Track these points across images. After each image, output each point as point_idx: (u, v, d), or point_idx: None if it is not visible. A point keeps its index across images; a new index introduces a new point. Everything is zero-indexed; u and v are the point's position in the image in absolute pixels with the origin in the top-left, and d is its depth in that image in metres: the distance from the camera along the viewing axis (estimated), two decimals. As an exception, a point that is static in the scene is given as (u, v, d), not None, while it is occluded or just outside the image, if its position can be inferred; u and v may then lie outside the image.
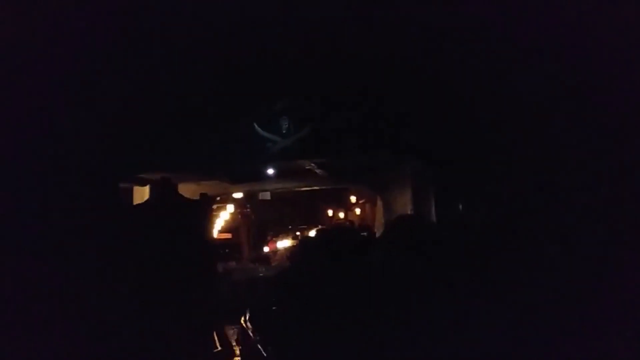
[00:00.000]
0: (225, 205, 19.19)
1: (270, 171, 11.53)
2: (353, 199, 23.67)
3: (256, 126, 9.30)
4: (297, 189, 14.46)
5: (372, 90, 8.54)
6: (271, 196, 16.27)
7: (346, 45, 6.84)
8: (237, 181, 12.59)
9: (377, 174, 11.99)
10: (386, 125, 9.19)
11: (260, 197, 17.00)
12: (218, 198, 18.36)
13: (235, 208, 20.58)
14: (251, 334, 5.37)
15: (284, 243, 22.14)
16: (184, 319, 6.33)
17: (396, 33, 5.97)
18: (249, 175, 11.77)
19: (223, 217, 20.85)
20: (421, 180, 10.50)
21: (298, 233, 24.38)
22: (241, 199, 19.10)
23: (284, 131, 9.27)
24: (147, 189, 12.11)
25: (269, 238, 24.53)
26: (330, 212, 26.83)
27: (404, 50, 6.73)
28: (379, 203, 13.71)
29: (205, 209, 9.17)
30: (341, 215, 26.14)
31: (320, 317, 3.76)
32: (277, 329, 4.42)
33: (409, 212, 11.03)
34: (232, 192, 14.44)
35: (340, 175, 12.21)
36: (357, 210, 24.15)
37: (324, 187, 14.40)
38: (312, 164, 10.79)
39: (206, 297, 7.28)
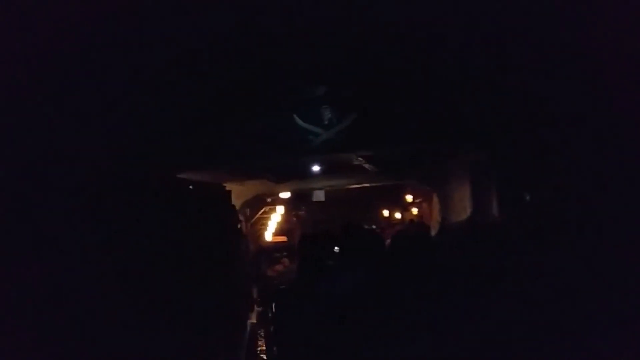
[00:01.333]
0: (275, 207, 18.62)
1: (316, 168, 10.75)
2: (409, 198, 22.71)
3: (296, 117, 8.50)
4: (347, 187, 13.52)
5: (420, 73, 7.62)
6: (325, 197, 15.45)
7: (392, 22, 5.98)
8: (282, 180, 11.87)
9: (432, 167, 11.01)
10: (440, 111, 8.24)
11: (314, 199, 15.87)
12: (269, 200, 17.93)
13: (287, 209, 20.05)
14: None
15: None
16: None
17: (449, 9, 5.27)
18: (293, 173, 11.00)
19: (275, 219, 20.30)
20: (481, 173, 9.49)
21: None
22: (295, 200, 18.58)
23: (325, 122, 8.44)
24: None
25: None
26: (386, 213, 25.99)
27: (459, 26, 5.87)
28: (435, 200, 12.70)
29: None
30: (398, 215, 25.18)
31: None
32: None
33: (467, 209, 10.05)
34: (279, 192, 13.72)
35: (392, 170, 11.26)
36: (415, 210, 23.20)
37: (375, 184, 13.41)
38: (360, 158, 9.92)
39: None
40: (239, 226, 9.66)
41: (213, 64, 6.58)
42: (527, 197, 7.04)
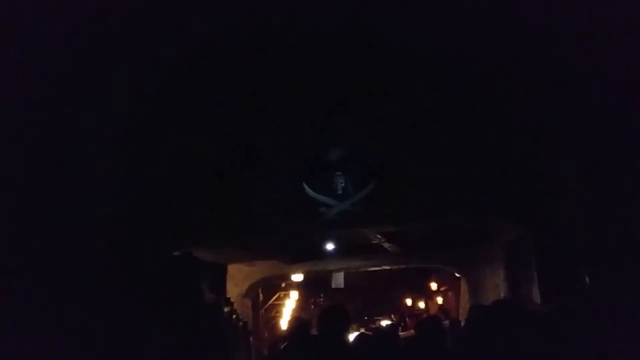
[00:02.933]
0: (289, 293, 17.39)
1: (330, 246, 9.65)
2: (434, 285, 21.40)
3: (305, 186, 7.49)
4: (365, 270, 12.24)
5: (449, 136, 6.64)
6: (344, 283, 14.43)
7: (421, 71, 5.10)
8: (294, 260, 10.75)
9: (460, 248, 9.80)
10: (471, 181, 7.18)
11: (333, 285, 15.17)
12: (283, 284, 16.78)
13: (302, 295, 18.86)
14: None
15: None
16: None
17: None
18: (305, 252, 9.89)
19: (289, 305, 19.01)
20: (518, 254, 8.29)
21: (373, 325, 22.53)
22: (310, 284, 17.45)
23: (339, 191, 7.39)
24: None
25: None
26: (409, 301, 24.69)
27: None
28: (464, 287, 11.38)
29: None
30: (421, 304, 24.09)
31: None
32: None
33: (501, 296, 8.78)
34: (291, 274, 12.53)
35: (415, 251, 10.05)
36: (439, 299, 21.93)
37: (396, 267, 12.12)
38: (379, 236, 8.80)
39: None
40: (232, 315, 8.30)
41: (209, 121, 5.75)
42: (586, 281, 5.81)
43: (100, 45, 3.66)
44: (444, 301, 21.15)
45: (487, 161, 6.77)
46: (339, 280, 14.04)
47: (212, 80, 4.86)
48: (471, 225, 7.98)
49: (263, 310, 16.27)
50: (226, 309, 8.60)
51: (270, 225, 7.99)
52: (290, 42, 4.30)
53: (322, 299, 21.78)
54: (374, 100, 5.85)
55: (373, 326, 16.99)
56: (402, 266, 11.95)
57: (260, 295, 15.20)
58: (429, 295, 22.90)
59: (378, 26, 4.12)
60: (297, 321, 4.84)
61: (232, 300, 10.57)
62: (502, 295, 8.76)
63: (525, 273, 8.07)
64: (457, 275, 16.05)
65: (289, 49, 4.42)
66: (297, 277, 12.99)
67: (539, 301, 7.39)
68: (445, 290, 20.48)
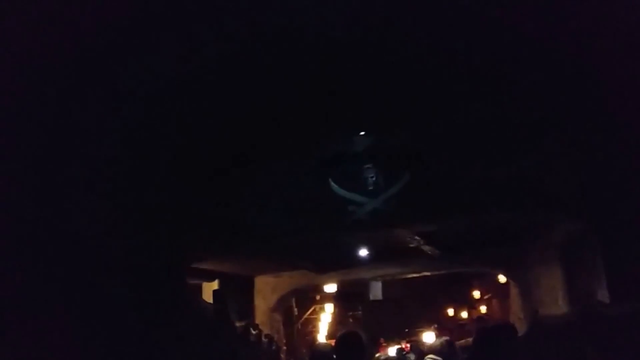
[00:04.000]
0: (324, 306, 16.52)
1: (364, 252, 8.72)
2: (477, 294, 20.49)
3: (332, 183, 6.59)
4: (401, 277, 11.22)
5: (494, 118, 5.68)
6: (383, 295, 13.68)
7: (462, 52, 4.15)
8: (324, 269, 9.84)
9: (509, 248, 8.75)
10: (521, 169, 6.23)
11: (371, 297, 14.53)
12: (317, 297, 16.08)
13: (338, 308, 18.03)
14: None
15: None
16: None
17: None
18: (336, 259, 8.98)
19: (325, 319, 18.16)
20: (578, 252, 7.25)
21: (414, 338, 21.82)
22: (345, 296, 17.02)
23: (370, 187, 6.46)
24: (215, 284, 9.70)
25: (380, 342, 21.98)
26: (451, 311, 23.71)
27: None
28: (513, 291, 10.27)
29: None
30: (464, 314, 23.02)
31: None
32: None
33: (559, 301, 7.74)
34: (323, 285, 11.62)
35: (458, 253, 9.02)
36: (483, 308, 20.96)
37: (437, 273, 11.06)
38: (417, 238, 7.83)
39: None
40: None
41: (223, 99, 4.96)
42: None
43: (101, 47, 3.45)
44: (488, 310, 20.29)
45: (539, 146, 5.79)
46: (376, 291, 13.17)
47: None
48: (523, 220, 6.96)
49: (299, 325, 15.47)
50: (253, 333, 7.69)
51: (293, 230, 7.14)
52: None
53: (360, 312, 21.08)
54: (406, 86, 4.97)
55: (415, 339, 16.12)
56: (443, 272, 10.90)
57: (295, 309, 14.49)
58: (472, 305, 21.86)
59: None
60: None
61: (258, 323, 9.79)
62: (561, 298, 7.70)
63: (588, 273, 7.02)
64: (505, 279, 15.17)
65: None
66: (331, 288, 12.12)
67: (607, 302, 6.33)
68: (489, 298, 19.56)
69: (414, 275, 10.75)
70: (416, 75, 4.72)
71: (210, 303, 6.36)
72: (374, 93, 5.03)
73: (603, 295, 6.55)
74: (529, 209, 6.52)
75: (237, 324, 6.90)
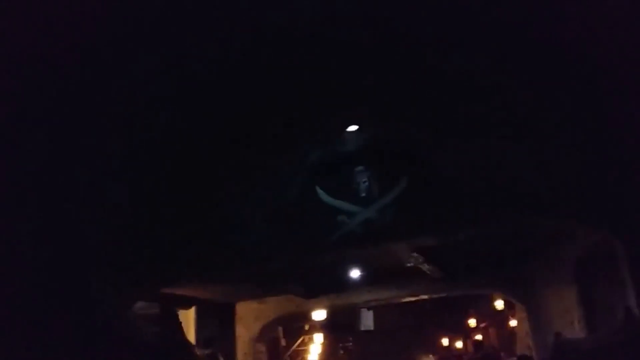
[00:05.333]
0: (313, 336, 15.54)
1: (355, 273, 7.88)
2: (472, 322, 19.65)
3: (319, 190, 5.80)
4: (397, 301, 10.31)
5: (500, 122, 5.03)
6: (374, 325, 13.27)
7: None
8: (312, 292, 8.96)
9: (516, 266, 7.93)
10: (533, 174, 5.51)
11: (362, 327, 14.03)
12: (306, 326, 15.20)
13: (328, 339, 17.06)
14: None
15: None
16: None
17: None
18: (325, 281, 8.12)
19: (314, 351, 17.15)
20: (596, 268, 6.46)
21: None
22: (335, 326, 15.63)
23: (362, 194, 5.69)
24: (192, 312, 8.81)
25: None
26: (445, 341, 22.84)
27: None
28: (519, 316, 9.42)
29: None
30: (459, 344, 22.32)
31: None
32: None
33: (575, 324, 6.92)
34: (311, 311, 10.72)
35: (460, 273, 8.18)
36: (479, 337, 20.21)
37: (436, 295, 10.17)
38: (415, 254, 7.00)
39: None
40: None
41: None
42: None
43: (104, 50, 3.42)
44: (484, 339, 19.52)
45: (555, 148, 5.07)
46: (367, 320, 12.74)
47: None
48: (533, 231, 6.15)
49: (287, 357, 14.60)
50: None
51: (277, 248, 6.30)
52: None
53: (351, 342, 20.16)
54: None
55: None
56: (443, 294, 10.04)
57: (283, 340, 13.70)
58: (467, 333, 21.06)
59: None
60: None
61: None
62: (577, 321, 6.88)
63: (609, 292, 6.22)
64: (502, 306, 14.42)
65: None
66: (320, 315, 11.24)
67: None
68: (485, 326, 18.82)
69: (411, 299, 9.88)
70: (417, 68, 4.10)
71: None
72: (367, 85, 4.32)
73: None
74: (541, 218, 5.73)
75: (200, 353, 6.02)
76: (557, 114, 4.64)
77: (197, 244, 6.24)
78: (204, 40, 3.56)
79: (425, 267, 7.49)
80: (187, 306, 9.02)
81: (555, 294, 7.60)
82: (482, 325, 18.91)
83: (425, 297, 9.78)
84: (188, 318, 9.12)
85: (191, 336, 8.94)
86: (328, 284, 8.48)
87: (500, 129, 4.87)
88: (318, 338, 15.72)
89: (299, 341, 15.90)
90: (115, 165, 4.43)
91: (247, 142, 5.02)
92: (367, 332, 14.41)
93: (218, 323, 9.46)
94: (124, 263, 5.02)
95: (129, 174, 4.57)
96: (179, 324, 5.80)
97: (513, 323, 14.57)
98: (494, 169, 5.46)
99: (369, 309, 14.59)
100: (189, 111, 4.35)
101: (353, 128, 5.03)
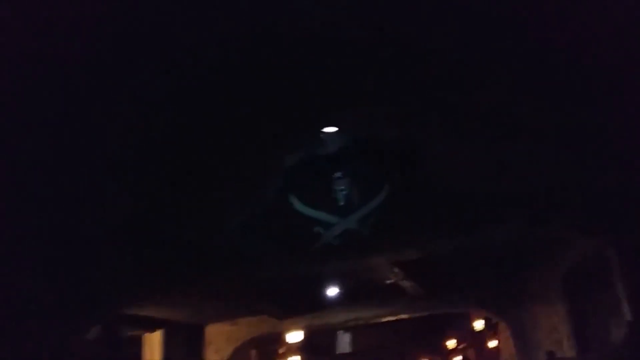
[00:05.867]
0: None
1: (333, 291, 7.43)
2: (451, 343, 19.18)
3: (294, 199, 5.36)
4: (376, 321, 9.83)
5: (490, 119, 4.67)
6: (351, 347, 13.95)
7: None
8: (287, 313, 8.46)
9: (503, 282, 7.54)
10: (526, 180, 5.18)
11: (339, 350, 14.25)
12: (281, 350, 14.58)
13: None
14: None
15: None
16: None
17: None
18: (301, 301, 7.64)
19: (290, 376, 16.53)
20: (587, 284, 6.11)
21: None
22: (312, 349, 15.04)
23: (341, 203, 5.26)
24: (158, 335, 8.24)
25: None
26: None
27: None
28: (503, 335, 9.02)
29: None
30: None
31: None
32: None
33: (564, 343, 6.55)
34: (286, 332, 10.17)
35: (442, 289, 7.76)
36: (458, 358, 19.89)
37: (417, 314, 9.72)
38: (396, 270, 6.58)
39: None
40: None
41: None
42: None
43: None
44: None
45: (550, 151, 4.74)
46: (344, 343, 13.01)
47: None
48: (522, 242, 5.78)
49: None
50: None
51: (249, 263, 5.84)
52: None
53: None
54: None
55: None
56: (425, 313, 9.60)
57: None
58: (446, 355, 20.40)
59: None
60: None
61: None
62: (566, 340, 6.50)
63: (600, 307, 5.86)
64: (482, 326, 14.03)
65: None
66: (295, 337, 10.68)
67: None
68: (464, 347, 18.32)
69: (391, 318, 9.41)
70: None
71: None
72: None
73: (620, 333, 5.39)
74: (534, 226, 5.36)
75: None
76: (554, 115, 4.32)
77: (161, 256, 5.76)
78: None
79: (405, 284, 7.06)
80: (152, 329, 8.49)
81: (542, 310, 7.22)
82: (462, 346, 18.36)
83: (405, 316, 9.33)
84: (153, 342, 8.60)
85: (156, 362, 8.47)
86: (304, 303, 7.99)
87: (496, 128, 4.52)
88: (295, 360, 15.17)
89: (274, 364, 15.38)
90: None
91: (213, 145, 4.59)
92: (345, 354, 14.48)
93: (186, 347, 8.86)
94: (72, 280, 4.53)
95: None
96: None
97: (493, 343, 14.33)
98: (486, 175, 5.09)
99: (346, 330, 14.11)
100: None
101: (332, 129, 4.61)
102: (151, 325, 8.36)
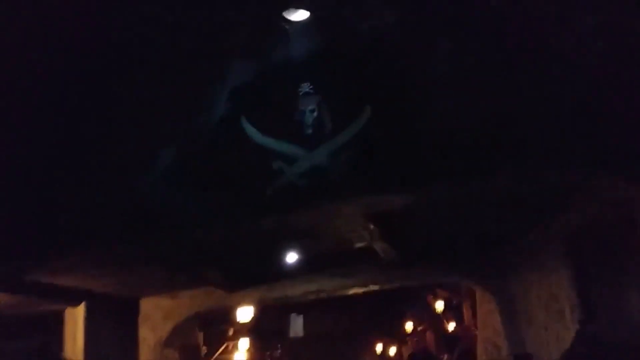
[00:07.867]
0: (237, 343, 14.01)
1: (292, 258, 6.28)
2: (409, 326, 18.82)
3: (248, 127, 4.11)
4: (343, 293, 8.69)
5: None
6: (305, 331, 13.96)
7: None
8: (236, 284, 7.26)
9: (492, 246, 6.51)
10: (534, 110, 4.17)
11: (291, 335, 14.28)
12: (230, 331, 13.72)
13: (254, 346, 15.62)
14: None
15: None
16: None
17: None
18: (253, 267, 6.46)
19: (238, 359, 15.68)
20: (597, 245, 5.15)
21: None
22: (262, 333, 14.59)
23: (308, 130, 4.06)
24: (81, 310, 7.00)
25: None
26: (379, 348, 21.98)
27: None
28: (485, 308, 8.01)
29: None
30: (392, 351, 21.51)
31: None
32: None
33: (567, 315, 5.61)
34: (236, 307, 9.17)
35: (421, 256, 6.66)
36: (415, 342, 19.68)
37: (389, 286, 8.60)
38: (368, 230, 5.43)
39: None
40: None
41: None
42: None
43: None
44: (417, 344, 18.81)
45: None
46: (297, 327, 13.01)
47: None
48: (537, 187, 4.71)
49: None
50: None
51: (186, 213, 4.60)
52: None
53: (279, 350, 19.33)
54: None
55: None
56: (397, 284, 8.49)
57: (204, 347, 12.32)
58: (402, 339, 20.15)
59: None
60: None
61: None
62: (568, 312, 5.54)
63: (612, 274, 4.89)
64: (442, 307, 13.65)
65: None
66: (245, 315, 9.65)
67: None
68: (422, 330, 17.95)
69: (360, 290, 8.31)
70: None
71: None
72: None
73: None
74: (546, 169, 4.30)
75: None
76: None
77: (80, 207, 4.62)
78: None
79: (379, 245, 5.92)
80: (74, 302, 7.33)
81: (537, 280, 6.24)
82: (420, 328, 17.92)
83: (376, 287, 8.26)
84: (76, 317, 7.36)
85: (79, 341, 7.20)
86: (256, 271, 6.81)
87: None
88: (243, 344, 14.18)
89: (222, 348, 14.43)
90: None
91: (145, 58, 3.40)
92: (298, 338, 14.36)
93: (116, 323, 7.67)
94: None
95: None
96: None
97: (452, 326, 13.58)
98: (495, 101, 4.03)
99: (299, 313, 13.71)
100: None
101: (298, 14, 3.38)
102: (73, 297, 7.13)
